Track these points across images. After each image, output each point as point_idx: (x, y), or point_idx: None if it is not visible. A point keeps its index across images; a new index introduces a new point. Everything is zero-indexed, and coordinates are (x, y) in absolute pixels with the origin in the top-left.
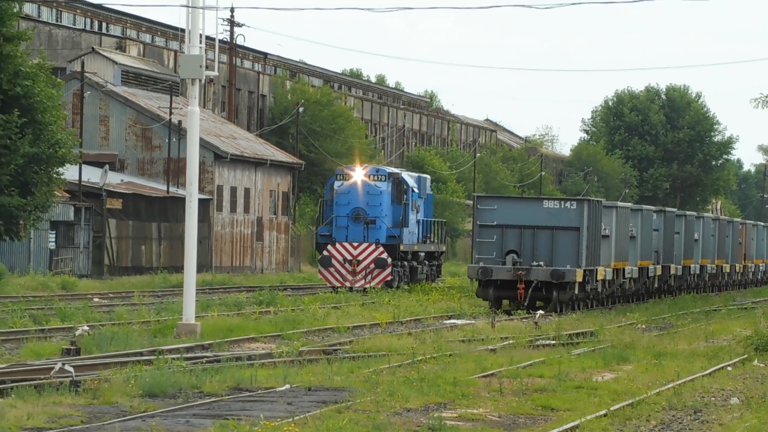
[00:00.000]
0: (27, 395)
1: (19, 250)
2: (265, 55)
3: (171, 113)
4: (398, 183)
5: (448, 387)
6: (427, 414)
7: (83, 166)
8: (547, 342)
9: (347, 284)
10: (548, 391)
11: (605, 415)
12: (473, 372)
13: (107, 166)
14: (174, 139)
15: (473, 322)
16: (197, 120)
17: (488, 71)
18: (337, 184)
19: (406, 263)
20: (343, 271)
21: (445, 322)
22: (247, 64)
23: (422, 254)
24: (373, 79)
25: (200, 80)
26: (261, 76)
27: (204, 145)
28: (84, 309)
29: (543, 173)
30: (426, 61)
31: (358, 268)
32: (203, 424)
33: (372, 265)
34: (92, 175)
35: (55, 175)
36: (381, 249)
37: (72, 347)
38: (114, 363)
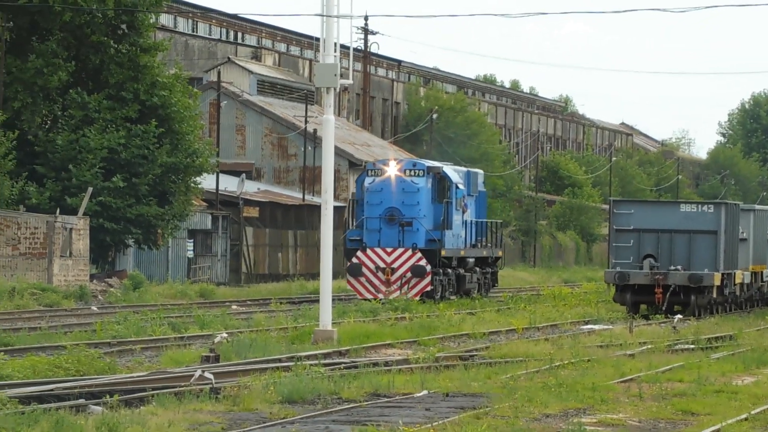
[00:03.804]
0: (167, 402)
1: (157, 258)
2: (399, 62)
3: (306, 122)
4: (440, 179)
5: (587, 392)
6: (566, 419)
7: (220, 175)
8: (686, 346)
9: (380, 296)
10: (688, 396)
11: (746, 419)
12: (612, 377)
13: (244, 175)
14: (309, 148)
15: (611, 327)
16: (332, 128)
17: (623, 74)
18: (368, 180)
19: (450, 271)
20: (376, 281)
21: (582, 327)
22: (381, 71)
23: (471, 260)
24: (507, 85)
25: (335, 89)
26: (395, 83)
27: (339, 153)
28: (222, 316)
29: (680, 177)
30: (560, 66)
31: (393, 278)
32: (342, 430)
33: (408, 274)
34: (229, 184)
35: (192, 185)
36: (419, 255)
37: (211, 354)
38: (253, 370)
